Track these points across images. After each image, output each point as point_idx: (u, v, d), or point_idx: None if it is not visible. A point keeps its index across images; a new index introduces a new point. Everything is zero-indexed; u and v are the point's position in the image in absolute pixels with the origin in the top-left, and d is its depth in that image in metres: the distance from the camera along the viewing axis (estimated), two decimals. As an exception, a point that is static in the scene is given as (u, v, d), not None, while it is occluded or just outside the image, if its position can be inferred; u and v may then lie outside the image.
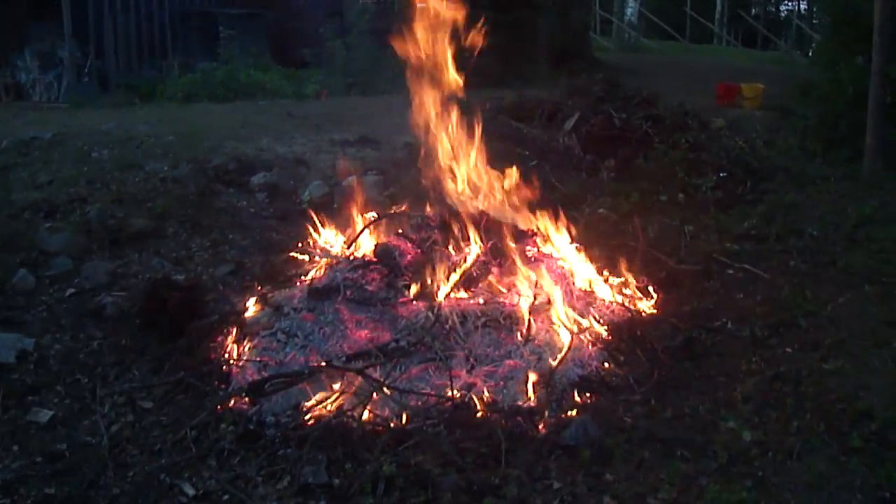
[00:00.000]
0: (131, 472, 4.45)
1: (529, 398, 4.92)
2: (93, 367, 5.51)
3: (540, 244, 6.47)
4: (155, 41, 17.21)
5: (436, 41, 6.58)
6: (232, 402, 4.93)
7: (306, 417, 4.75)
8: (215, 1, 18.47)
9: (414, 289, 5.75)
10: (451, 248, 6.06)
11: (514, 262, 5.98)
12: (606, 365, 5.36)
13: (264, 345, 5.47)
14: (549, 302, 5.68)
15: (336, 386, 4.94)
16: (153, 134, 9.63)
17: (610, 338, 5.63)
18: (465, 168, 6.67)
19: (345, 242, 6.66)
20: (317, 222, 6.94)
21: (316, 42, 16.56)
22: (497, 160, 6.97)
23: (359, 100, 13.78)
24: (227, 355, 5.46)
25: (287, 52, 17.58)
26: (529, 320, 5.47)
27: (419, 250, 6.07)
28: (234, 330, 5.62)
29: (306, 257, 6.71)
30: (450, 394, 4.88)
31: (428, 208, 6.59)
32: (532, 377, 5.03)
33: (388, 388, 4.89)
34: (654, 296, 6.40)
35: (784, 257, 6.88)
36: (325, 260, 6.41)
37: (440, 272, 5.76)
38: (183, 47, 17.42)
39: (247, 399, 4.91)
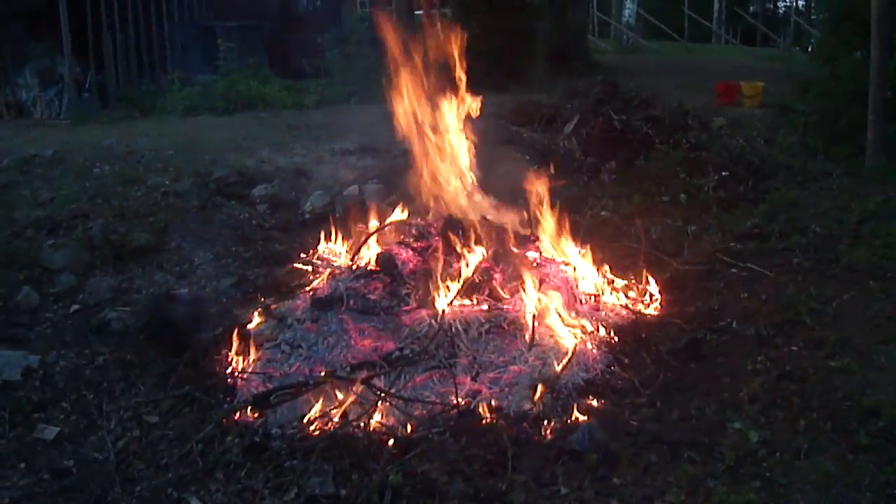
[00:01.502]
0: (138, 487, 4.46)
1: (535, 404, 4.91)
2: (98, 382, 5.53)
3: (542, 249, 6.47)
4: (154, 55, 17.22)
5: (435, 48, 6.58)
6: (237, 414, 4.93)
7: (312, 428, 4.75)
8: (213, 14, 18.49)
9: (417, 297, 5.75)
10: (452, 255, 6.05)
11: (516, 267, 5.97)
12: (611, 368, 5.35)
13: (268, 356, 5.48)
14: (552, 307, 5.67)
15: (341, 396, 4.94)
16: (154, 148, 9.65)
17: (614, 341, 5.62)
18: (465, 174, 6.67)
19: (347, 252, 6.67)
20: (319, 233, 6.95)
21: (315, 52, 16.57)
22: (498, 165, 6.97)
23: (358, 109, 13.78)
24: (231, 368, 5.47)
25: (286, 63, 17.58)
26: (533, 326, 5.46)
27: (421, 258, 6.06)
28: (239, 342, 5.62)
29: (309, 268, 6.71)
30: (455, 401, 4.87)
31: (429, 216, 6.59)
32: (537, 383, 5.03)
33: (392, 397, 4.89)
34: (658, 297, 6.39)
35: (788, 255, 6.86)
36: (327, 270, 6.41)
37: (442, 280, 5.76)
38: (182, 61, 17.41)
39: (252, 411, 4.91)
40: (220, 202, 8.28)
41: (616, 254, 7.02)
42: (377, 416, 4.83)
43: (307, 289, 6.31)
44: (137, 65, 16.96)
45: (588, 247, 6.74)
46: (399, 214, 6.73)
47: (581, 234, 6.98)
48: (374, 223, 6.79)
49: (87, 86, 15.86)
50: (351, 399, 4.91)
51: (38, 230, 7.40)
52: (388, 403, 4.88)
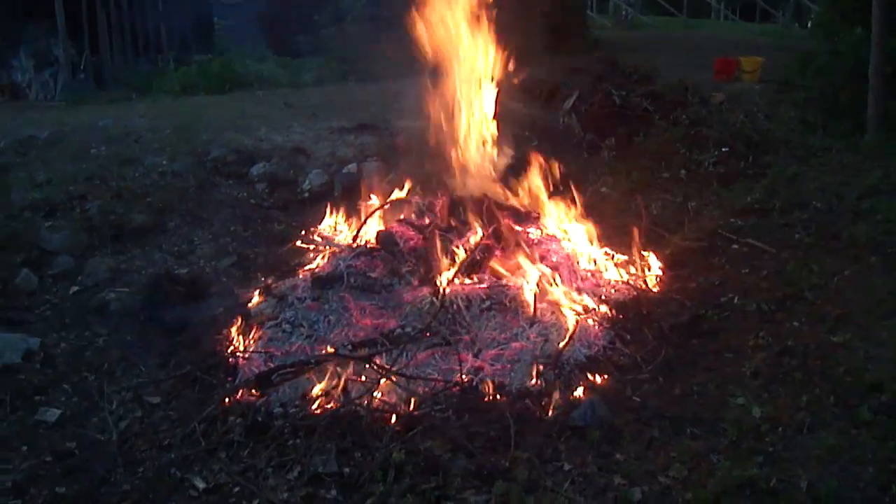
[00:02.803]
0: (141, 468, 4.45)
1: (537, 380, 4.90)
2: (99, 364, 5.51)
3: (543, 225, 6.45)
4: (149, 35, 17.10)
5: (434, 25, 6.54)
6: (239, 394, 4.92)
7: (314, 407, 4.75)
8: (209, -8, 18.40)
9: (418, 275, 5.73)
10: (454, 232, 6.04)
11: (517, 244, 5.95)
12: (613, 344, 5.34)
13: (270, 335, 5.47)
14: (552, 284, 5.65)
15: (343, 374, 4.93)
16: (151, 128, 9.59)
17: (616, 317, 5.61)
18: (466, 151, 6.64)
19: (348, 230, 6.65)
20: (318, 211, 6.93)
21: (311, 29, 16.47)
22: (497, 141, 6.94)
23: (355, 86, 13.71)
24: (232, 347, 5.46)
25: (282, 40, 17.48)
26: (535, 302, 5.45)
27: (422, 236, 6.04)
28: (239, 322, 5.61)
29: (309, 247, 6.69)
30: (457, 379, 4.87)
31: (430, 193, 6.56)
32: (539, 360, 5.02)
33: (395, 375, 4.88)
34: (660, 273, 6.38)
35: (788, 231, 6.85)
36: (328, 249, 6.39)
37: (443, 257, 5.74)
38: (178, 40, 17.31)
39: (254, 391, 4.90)
40: (218, 181, 8.25)
41: (616, 230, 7.00)
42: (379, 394, 4.81)
43: (307, 267, 6.30)
44: (133, 45, 16.85)
45: (588, 223, 6.72)
46: (400, 192, 6.71)
47: (581, 211, 6.95)
48: (374, 201, 6.76)
49: (82, 67, 15.77)
50: (353, 377, 4.90)
51: (36, 212, 7.36)
52: (390, 381, 4.87)
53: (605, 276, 6.15)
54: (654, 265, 6.45)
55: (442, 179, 6.50)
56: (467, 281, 5.68)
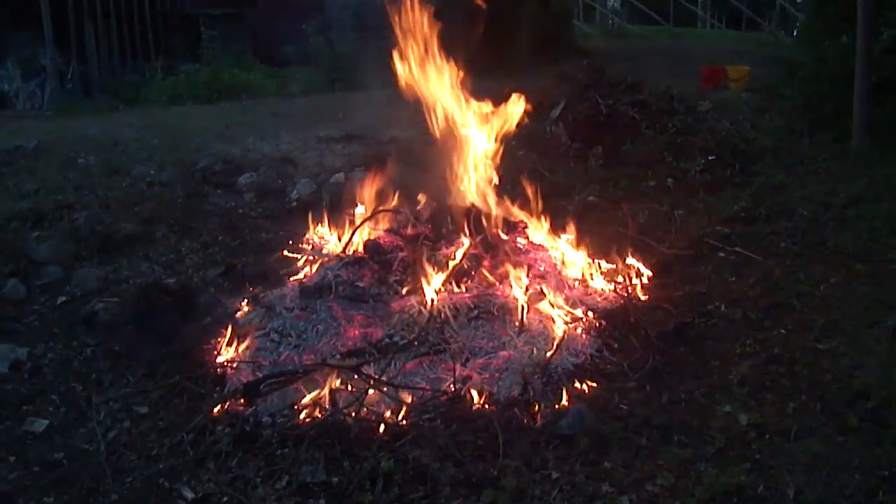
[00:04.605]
0: (129, 478, 4.44)
1: (525, 389, 4.91)
2: (87, 374, 5.49)
3: (530, 235, 6.47)
4: (137, 44, 17.08)
5: (421, 35, 6.56)
6: (227, 404, 4.91)
7: (302, 416, 4.74)
8: (196, 2, 18.34)
9: (405, 284, 5.74)
10: (441, 242, 6.05)
11: (505, 253, 5.97)
12: (601, 353, 5.36)
13: (258, 345, 5.46)
14: (541, 292, 5.67)
15: (331, 384, 4.93)
16: (139, 138, 9.59)
17: (603, 325, 5.63)
18: (454, 160, 6.66)
19: (337, 240, 6.65)
20: (305, 221, 6.93)
21: (298, 39, 16.46)
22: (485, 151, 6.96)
23: (343, 96, 13.74)
24: (221, 357, 5.45)
25: (270, 50, 17.48)
26: (522, 311, 5.46)
27: (410, 246, 6.05)
28: (227, 332, 5.60)
29: (297, 256, 6.70)
30: (446, 387, 4.87)
31: (418, 203, 6.58)
32: (526, 368, 5.03)
33: (383, 385, 4.88)
34: (647, 281, 6.40)
35: (775, 238, 6.89)
36: (315, 258, 6.39)
37: (431, 266, 5.75)
38: (165, 50, 17.30)
39: (242, 400, 4.90)
40: (206, 191, 8.25)
41: (604, 239, 7.02)
42: (367, 404, 4.81)
43: (295, 277, 6.30)
44: (120, 54, 16.82)
45: (575, 232, 6.75)
46: (387, 201, 6.71)
47: (568, 220, 6.98)
48: (361, 210, 6.77)
49: (69, 76, 15.74)
50: (341, 387, 4.91)
51: (24, 222, 7.35)
52: (378, 391, 4.87)
53: (593, 284, 6.17)
54: (642, 273, 6.47)
55: (429, 189, 6.51)
56: (455, 290, 5.70)
